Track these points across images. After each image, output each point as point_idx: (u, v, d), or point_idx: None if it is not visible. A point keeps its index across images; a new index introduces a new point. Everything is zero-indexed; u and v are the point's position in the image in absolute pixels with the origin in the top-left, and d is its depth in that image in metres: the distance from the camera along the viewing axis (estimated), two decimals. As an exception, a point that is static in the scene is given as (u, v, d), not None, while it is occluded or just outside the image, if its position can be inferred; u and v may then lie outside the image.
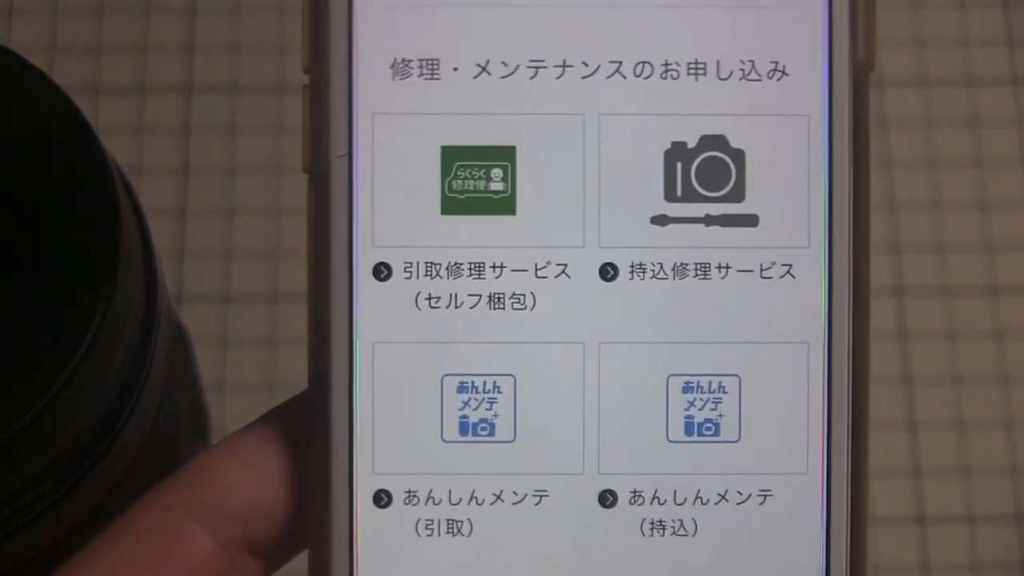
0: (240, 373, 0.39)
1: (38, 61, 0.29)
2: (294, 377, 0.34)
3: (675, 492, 0.19)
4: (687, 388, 0.20)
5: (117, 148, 0.30)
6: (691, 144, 0.19)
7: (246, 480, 0.20)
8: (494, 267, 0.20)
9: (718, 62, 0.19)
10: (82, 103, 0.28)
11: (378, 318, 0.19)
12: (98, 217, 0.27)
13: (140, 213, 0.29)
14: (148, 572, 0.20)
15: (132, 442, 0.29)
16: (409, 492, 0.20)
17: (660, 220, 0.19)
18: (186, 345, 0.36)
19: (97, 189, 0.27)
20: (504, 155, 0.19)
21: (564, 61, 0.19)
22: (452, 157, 0.19)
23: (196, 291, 0.40)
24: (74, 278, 0.27)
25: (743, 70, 0.19)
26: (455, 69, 0.19)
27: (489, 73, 0.19)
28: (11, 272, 0.27)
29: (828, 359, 0.19)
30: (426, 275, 0.19)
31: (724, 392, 0.19)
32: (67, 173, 0.27)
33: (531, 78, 0.19)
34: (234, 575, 0.20)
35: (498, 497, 0.19)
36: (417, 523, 0.19)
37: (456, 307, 0.19)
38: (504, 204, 0.19)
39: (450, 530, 0.20)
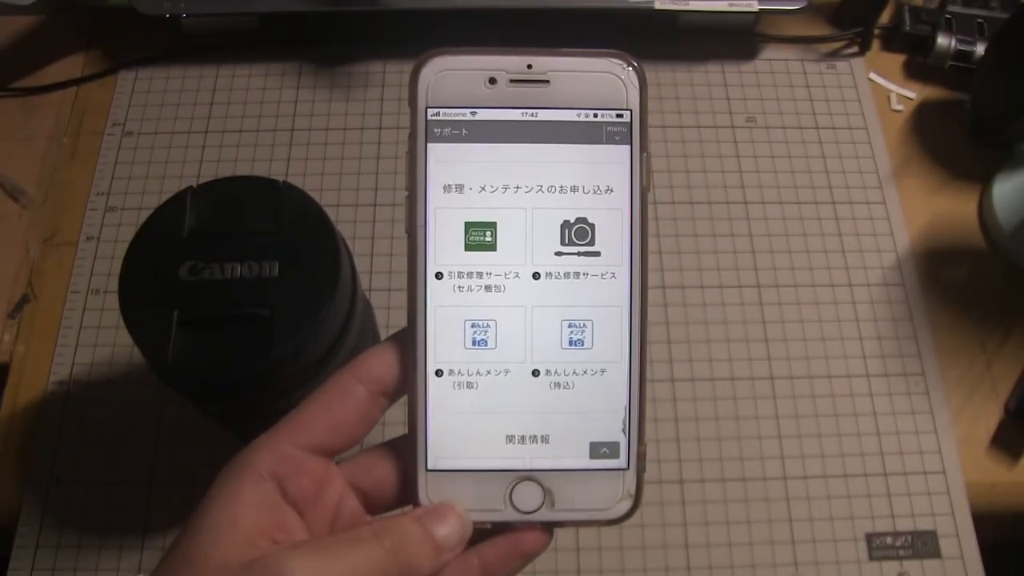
0: (394, 320, 0.42)
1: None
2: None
3: (564, 369, 0.23)
4: (571, 325, 0.23)
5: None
6: (571, 220, 0.23)
7: (381, 364, 0.24)
8: (488, 274, 0.23)
9: (583, 186, 0.23)
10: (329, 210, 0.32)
11: (437, 295, 0.23)
12: (329, 255, 0.31)
13: (350, 254, 0.33)
14: (333, 406, 0.23)
15: (347, 350, 0.33)
16: (451, 370, 0.23)
17: (559, 253, 0.23)
18: (370, 311, 0.40)
19: (331, 245, 0.31)
20: (491, 225, 0.23)
21: (517, 186, 0.23)
22: (469, 226, 0.23)
23: (375, 287, 0.46)
24: (325, 277, 0.31)
25: (594, 188, 0.23)
26: (470, 188, 0.23)
27: (484, 190, 0.23)
28: (301, 273, 0.30)
29: (629, 313, 0.23)
30: (458, 277, 0.23)
31: (585, 327, 0.23)
32: (321, 238, 0.31)
33: (503, 192, 0.23)
34: (375, 408, 0.24)
35: (489, 372, 0.23)
36: (454, 383, 0.23)
37: (471, 291, 0.23)
38: (491, 246, 0.23)
39: (468, 386, 0.23)
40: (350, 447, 0.23)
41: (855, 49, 0.53)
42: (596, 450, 0.23)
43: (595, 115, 0.23)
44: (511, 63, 0.23)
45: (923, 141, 0.50)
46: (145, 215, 0.32)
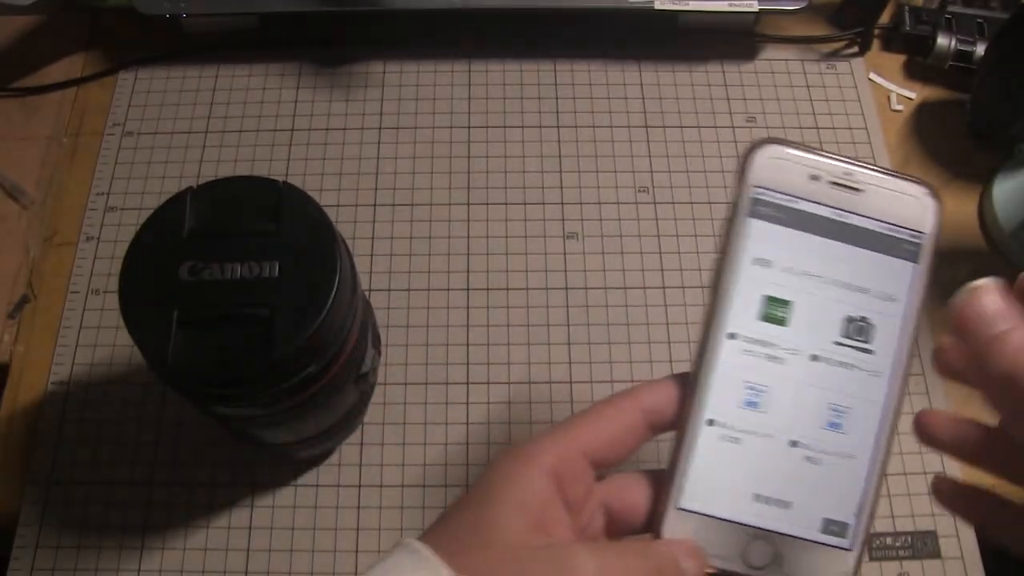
0: (394, 319, 0.45)
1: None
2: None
3: (818, 446, 0.25)
4: (833, 409, 0.25)
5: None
6: (855, 317, 0.25)
7: (659, 398, 0.25)
8: (774, 345, 0.25)
9: (871, 289, 0.25)
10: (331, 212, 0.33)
11: (726, 353, 0.25)
12: (329, 255, 0.31)
13: (350, 254, 0.34)
14: (612, 422, 0.24)
15: (347, 349, 0.34)
16: (722, 423, 0.25)
17: (837, 343, 0.25)
18: (371, 311, 0.41)
19: (331, 245, 0.31)
20: (787, 304, 0.25)
21: (816, 275, 0.25)
22: (768, 300, 0.25)
23: (375, 287, 0.46)
24: (325, 277, 0.31)
25: (880, 294, 0.25)
26: (776, 266, 0.25)
27: (788, 271, 0.25)
28: (301, 273, 0.31)
29: (884, 411, 0.25)
30: (748, 341, 0.25)
31: (844, 414, 0.25)
32: (321, 238, 0.32)
33: (803, 277, 0.25)
34: (644, 436, 0.25)
35: (754, 432, 0.25)
36: (721, 435, 0.25)
37: (756, 357, 0.25)
38: (782, 322, 0.25)
39: (733, 440, 0.25)
40: (612, 466, 0.24)
41: (855, 49, 0.53)
42: (828, 526, 0.25)
43: (894, 230, 0.25)
44: (834, 167, 0.25)
45: (923, 141, 0.50)
46: (145, 215, 0.32)
